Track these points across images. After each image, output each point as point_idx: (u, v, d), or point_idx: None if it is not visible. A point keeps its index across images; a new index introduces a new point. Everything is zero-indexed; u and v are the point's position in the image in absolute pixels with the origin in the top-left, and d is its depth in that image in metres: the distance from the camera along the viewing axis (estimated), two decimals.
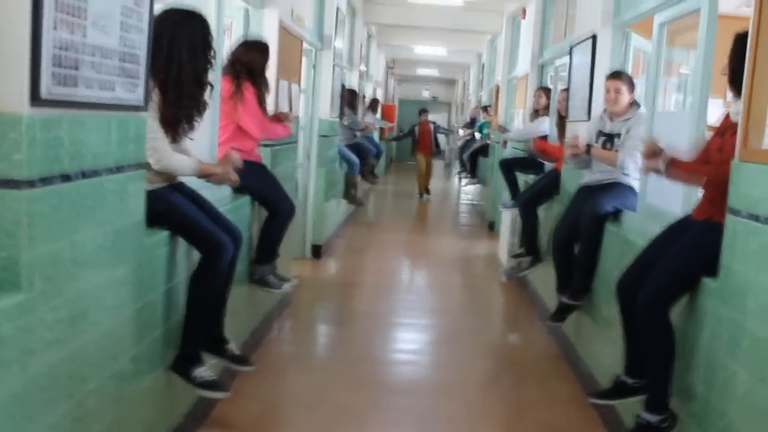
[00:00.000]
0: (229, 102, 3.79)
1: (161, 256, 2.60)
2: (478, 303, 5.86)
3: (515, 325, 5.35)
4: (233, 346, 3.05)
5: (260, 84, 3.89)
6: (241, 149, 3.74)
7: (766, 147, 2.10)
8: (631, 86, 3.96)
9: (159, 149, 2.54)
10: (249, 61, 3.85)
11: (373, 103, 11.49)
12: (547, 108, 6.38)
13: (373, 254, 7.64)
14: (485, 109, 11.05)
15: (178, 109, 2.55)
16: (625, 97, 3.96)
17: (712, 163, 2.60)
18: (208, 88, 2.67)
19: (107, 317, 2.16)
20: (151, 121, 2.45)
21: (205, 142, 3.55)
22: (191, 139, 2.77)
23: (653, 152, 2.74)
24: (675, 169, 2.71)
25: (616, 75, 4.00)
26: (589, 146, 4.07)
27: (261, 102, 3.89)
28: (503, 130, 7.66)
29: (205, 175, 2.87)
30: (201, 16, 2.63)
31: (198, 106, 2.63)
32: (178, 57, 2.42)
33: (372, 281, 6.35)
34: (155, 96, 2.47)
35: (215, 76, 3.67)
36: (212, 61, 2.63)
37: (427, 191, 12.37)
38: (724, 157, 2.44)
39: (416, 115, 12.96)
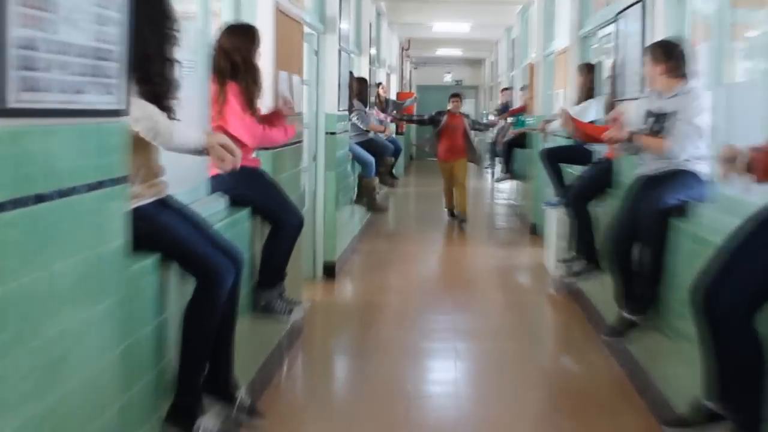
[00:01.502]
0: (215, 106, 3.81)
1: (150, 284, 2.61)
2: (523, 322, 5.84)
3: (570, 346, 5.33)
4: (244, 393, 3.05)
5: (249, 77, 3.87)
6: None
7: None
8: (660, 57, 3.93)
9: (162, 124, 2.61)
10: (232, 50, 3.85)
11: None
12: (590, 89, 6.35)
13: (397, 270, 7.64)
14: (522, 88, 10.99)
15: (152, 86, 2.63)
16: (650, 71, 3.97)
17: None
18: (176, 64, 2.75)
19: (90, 361, 2.16)
20: (141, 102, 2.54)
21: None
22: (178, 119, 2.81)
23: (731, 157, 2.60)
24: (758, 160, 2.51)
25: (645, 49, 4.05)
26: (631, 134, 4.04)
27: (250, 101, 3.87)
28: (546, 125, 7.57)
29: (212, 145, 2.90)
30: None
31: (169, 83, 2.71)
32: (141, 33, 2.48)
33: (397, 302, 6.35)
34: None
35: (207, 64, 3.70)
36: (176, 35, 2.73)
37: (461, 219, 10.00)
38: None
39: (439, 105, 10.67)
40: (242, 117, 3.82)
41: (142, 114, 2.54)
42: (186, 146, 2.80)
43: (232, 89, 3.82)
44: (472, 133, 10.25)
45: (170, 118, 2.72)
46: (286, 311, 4.04)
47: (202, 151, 2.89)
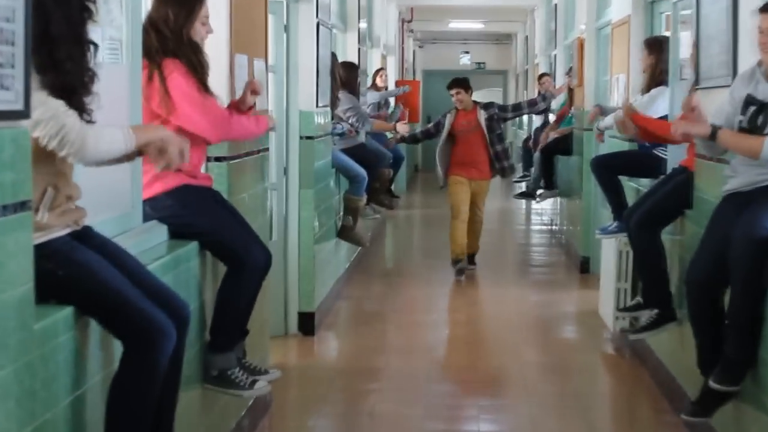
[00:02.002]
0: (152, 93, 3.80)
1: (62, 348, 2.59)
2: (571, 393, 5.81)
3: (635, 427, 5.32)
4: None
5: (192, 56, 3.87)
6: (180, 169, 3.72)
7: None
8: None
9: (71, 127, 2.59)
10: (162, 19, 3.85)
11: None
12: (661, 73, 6.37)
13: (397, 323, 7.63)
14: (568, 72, 11.04)
15: (59, 75, 2.63)
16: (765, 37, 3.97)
17: None
18: (92, 47, 2.77)
19: None
20: (42, 96, 2.52)
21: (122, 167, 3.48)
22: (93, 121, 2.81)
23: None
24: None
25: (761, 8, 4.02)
26: (715, 129, 4.02)
27: (202, 82, 3.87)
28: (600, 112, 7.59)
29: (143, 147, 2.90)
30: None
31: (82, 73, 2.72)
32: (42, 4, 2.50)
33: (397, 367, 6.32)
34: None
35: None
36: (90, 7, 2.74)
37: (471, 260, 9.36)
38: None
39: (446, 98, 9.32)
40: (197, 97, 3.81)
41: (44, 113, 2.51)
42: (108, 153, 2.78)
43: (175, 66, 3.81)
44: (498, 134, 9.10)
45: (85, 120, 2.71)
46: (246, 383, 4.01)
47: (132, 156, 2.88)
